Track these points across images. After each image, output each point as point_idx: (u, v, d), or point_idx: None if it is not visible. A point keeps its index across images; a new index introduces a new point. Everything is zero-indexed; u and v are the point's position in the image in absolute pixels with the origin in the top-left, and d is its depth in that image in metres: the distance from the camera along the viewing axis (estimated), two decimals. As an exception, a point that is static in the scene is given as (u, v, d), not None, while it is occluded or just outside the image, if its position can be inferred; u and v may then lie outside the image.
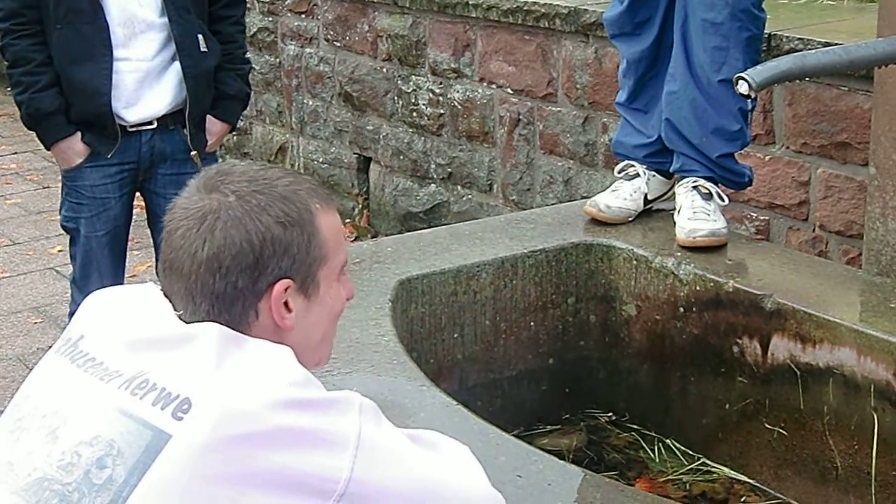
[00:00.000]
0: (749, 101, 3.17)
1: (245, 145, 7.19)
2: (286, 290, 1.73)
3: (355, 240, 6.11)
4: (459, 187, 5.57)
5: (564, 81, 4.92)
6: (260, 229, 1.70)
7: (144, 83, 3.73)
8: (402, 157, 5.89)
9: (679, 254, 3.12)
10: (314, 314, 1.80)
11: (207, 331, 1.67)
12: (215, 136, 3.94)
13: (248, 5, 6.82)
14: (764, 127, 4.03)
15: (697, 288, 3.02)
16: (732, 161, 3.34)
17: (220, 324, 1.69)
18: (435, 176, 5.70)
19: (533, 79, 5.08)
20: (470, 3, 5.27)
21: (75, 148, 3.74)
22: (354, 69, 6.12)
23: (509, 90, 5.21)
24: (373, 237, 6.06)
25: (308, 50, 6.47)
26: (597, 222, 3.37)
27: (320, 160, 6.52)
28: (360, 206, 6.26)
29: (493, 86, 5.28)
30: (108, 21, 3.65)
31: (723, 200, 3.29)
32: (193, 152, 3.84)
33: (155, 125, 3.77)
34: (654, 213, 3.43)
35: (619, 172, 3.50)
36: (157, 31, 3.72)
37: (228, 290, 1.70)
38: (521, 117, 5.17)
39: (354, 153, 6.26)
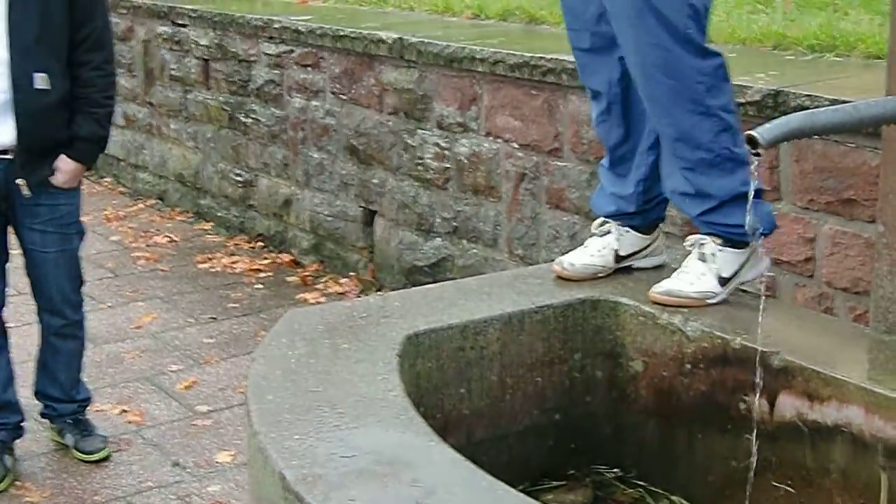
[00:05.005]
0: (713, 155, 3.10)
1: (250, 197, 7.23)
2: None
3: (361, 293, 6.13)
4: (465, 241, 5.59)
5: (570, 136, 4.96)
6: None
7: None
8: (407, 211, 5.92)
9: (686, 311, 3.13)
10: None
11: None
12: (63, 173, 4.27)
13: (255, 59, 6.90)
14: (770, 183, 4.06)
15: (704, 345, 3.02)
16: (722, 215, 3.19)
17: None
18: (440, 230, 5.73)
19: (539, 133, 5.11)
20: (476, 57, 5.33)
21: None
22: (360, 122, 6.16)
23: (515, 144, 5.24)
24: (378, 291, 6.08)
25: (314, 103, 6.52)
26: (605, 278, 3.37)
27: (326, 213, 6.55)
28: (366, 259, 6.29)
29: (499, 140, 5.32)
30: None
31: (713, 261, 3.22)
32: (20, 181, 4.18)
33: (11, 156, 4.15)
34: (662, 269, 3.44)
35: (594, 228, 3.50)
36: (5, 66, 4.07)
37: None
38: (526, 172, 5.20)
39: (360, 206, 6.29)
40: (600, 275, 3.37)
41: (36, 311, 4.51)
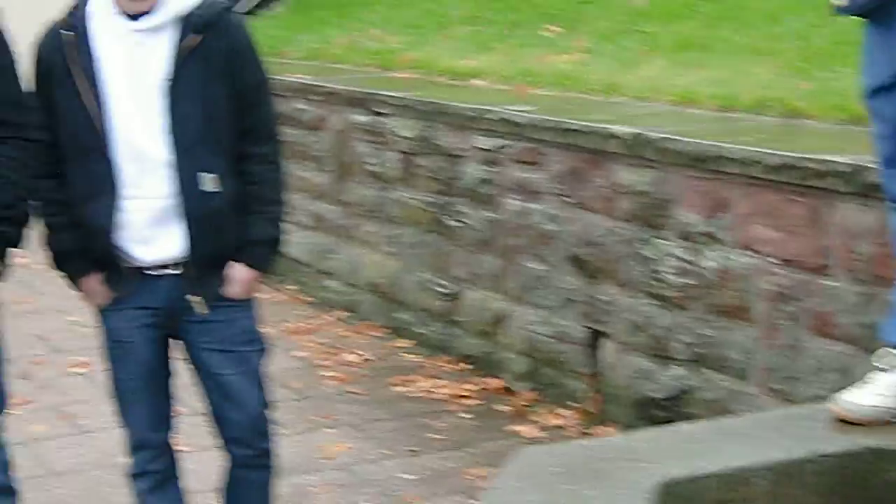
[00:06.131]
0: None
1: (454, 313, 7.32)
2: None
3: (584, 428, 6.11)
4: (709, 371, 5.53)
5: (841, 251, 4.88)
6: None
7: (159, 223, 4.13)
8: (640, 334, 5.90)
9: None
10: None
11: None
12: (238, 283, 4.26)
13: (465, 154, 7.00)
14: None
15: None
16: None
17: None
18: (680, 357, 5.69)
19: (801, 247, 5.05)
20: (726, 156, 5.30)
21: (95, 289, 4.25)
22: (587, 229, 6.19)
23: (773, 259, 5.18)
24: (602, 424, 6.08)
25: (533, 205, 6.59)
26: None
27: (543, 333, 6.60)
28: (590, 388, 6.28)
29: (754, 254, 5.27)
30: (117, 158, 4.08)
31: None
32: (196, 298, 4.19)
33: (181, 269, 4.16)
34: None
35: (878, 361, 3.41)
36: (168, 168, 4.09)
37: None
38: (786, 292, 5.13)
39: (584, 326, 6.30)
40: (891, 418, 3.29)
41: (218, 436, 4.53)
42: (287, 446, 6.00)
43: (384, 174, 7.93)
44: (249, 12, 12.08)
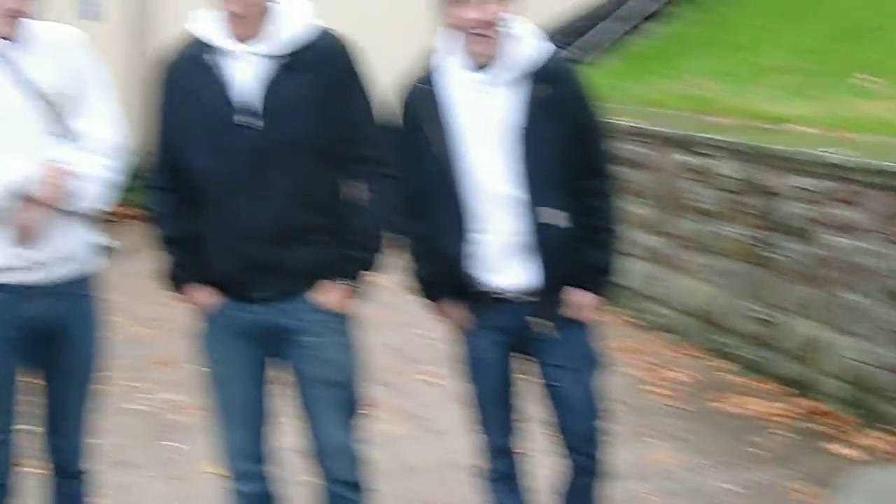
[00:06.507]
0: None
1: (773, 338, 7.61)
2: None
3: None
4: None
5: None
6: None
7: (509, 254, 4.48)
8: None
9: None
10: None
11: None
12: (580, 307, 4.61)
13: (786, 194, 7.37)
14: None
15: None
16: None
17: None
18: None
19: None
20: None
21: (455, 313, 4.66)
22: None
23: None
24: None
25: (850, 242, 6.84)
26: None
27: (860, 360, 6.82)
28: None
29: None
30: (468, 197, 4.47)
31: None
32: (545, 322, 4.56)
33: (531, 296, 4.53)
34: None
35: None
36: (518, 206, 4.44)
37: None
38: None
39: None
40: None
41: (556, 443, 4.87)
42: (617, 455, 6.39)
43: (708, 210, 8.28)
44: (583, 62, 12.62)
